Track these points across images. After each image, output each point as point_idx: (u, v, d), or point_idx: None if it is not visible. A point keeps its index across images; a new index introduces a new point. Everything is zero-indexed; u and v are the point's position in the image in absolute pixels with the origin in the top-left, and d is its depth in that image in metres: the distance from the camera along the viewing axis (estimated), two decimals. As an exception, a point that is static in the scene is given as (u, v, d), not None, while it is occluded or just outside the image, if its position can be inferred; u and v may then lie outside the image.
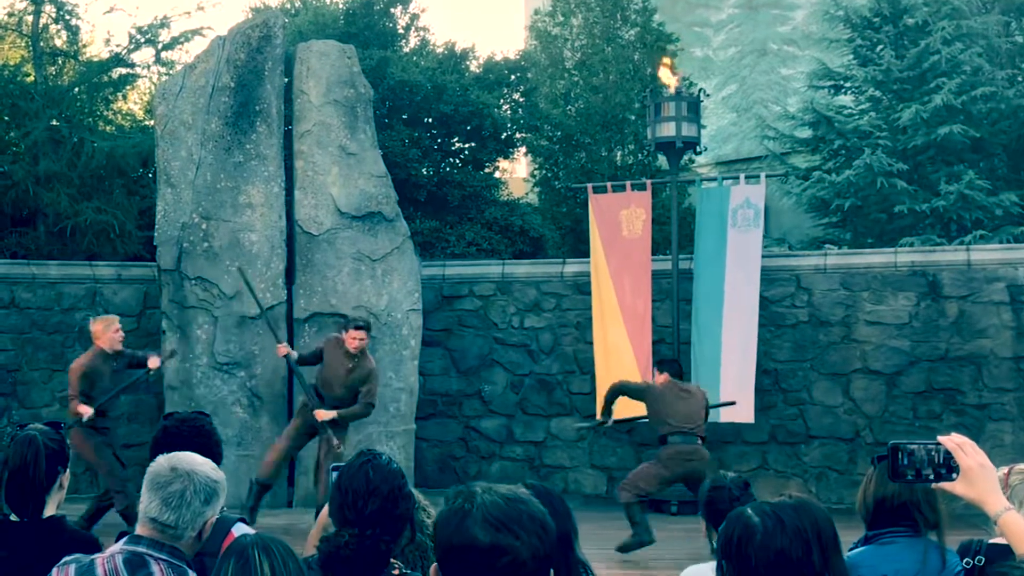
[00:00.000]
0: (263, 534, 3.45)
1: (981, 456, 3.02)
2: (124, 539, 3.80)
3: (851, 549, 4.37)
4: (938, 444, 3.02)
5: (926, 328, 15.32)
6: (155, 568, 3.68)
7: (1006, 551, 4.52)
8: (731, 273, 15.18)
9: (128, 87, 19.96)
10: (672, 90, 15.78)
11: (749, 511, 3.07)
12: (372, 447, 4.33)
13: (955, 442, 3.02)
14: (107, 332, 12.11)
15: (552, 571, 2.51)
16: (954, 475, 3.01)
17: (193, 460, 3.85)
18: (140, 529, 3.77)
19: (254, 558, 3.30)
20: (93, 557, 3.77)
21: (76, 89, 18.61)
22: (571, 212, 19.80)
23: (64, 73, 18.95)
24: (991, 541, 4.66)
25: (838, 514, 4.22)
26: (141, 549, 3.72)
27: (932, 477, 3.03)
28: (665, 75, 16.16)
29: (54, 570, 3.77)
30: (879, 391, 15.38)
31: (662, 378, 11.98)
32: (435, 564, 2.49)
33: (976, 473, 3.00)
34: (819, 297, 15.73)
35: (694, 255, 15.63)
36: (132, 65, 19.17)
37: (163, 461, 3.82)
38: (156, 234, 15.08)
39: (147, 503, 3.75)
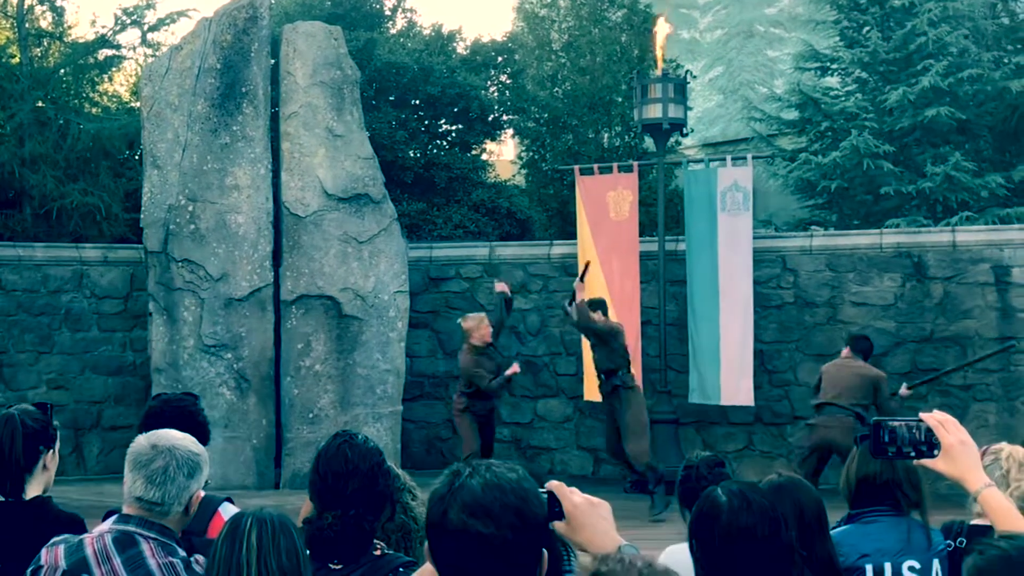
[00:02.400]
0: (267, 508, 3.45)
1: (962, 433, 3.04)
2: (113, 518, 3.81)
3: (834, 528, 4.40)
4: (920, 421, 3.04)
5: (911, 309, 15.36)
6: (144, 546, 3.69)
7: (988, 531, 4.56)
8: (724, 258, 15.18)
9: (114, 68, 19.90)
10: (661, 52, 15.78)
11: (718, 491, 3.11)
12: (358, 429, 4.35)
13: (936, 419, 3.04)
14: (479, 328, 12.67)
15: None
16: (935, 452, 3.03)
17: (172, 436, 3.85)
18: (127, 508, 3.78)
19: (244, 525, 3.31)
20: (82, 537, 3.78)
21: (62, 71, 18.55)
22: (558, 194, 19.80)
23: (50, 55, 18.89)
24: (972, 522, 4.69)
25: (823, 494, 4.25)
26: (131, 528, 3.73)
27: (913, 454, 3.05)
28: (661, 32, 16.15)
29: (43, 551, 3.77)
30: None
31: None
32: (427, 544, 2.53)
33: (957, 450, 3.02)
34: (805, 278, 15.76)
35: (685, 239, 15.62)
36: (118, 46, 19.11)
37: (143, 440, 3.83)
38: (142, 216, 15.05)
39: (131, 482, 3.76)
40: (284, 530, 3.35)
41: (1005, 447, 4.99)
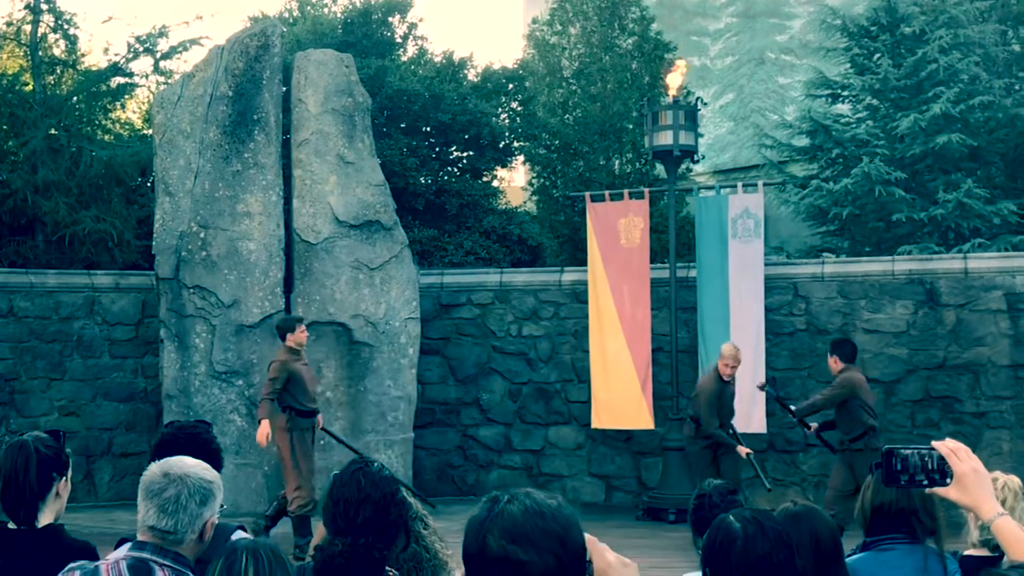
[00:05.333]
0: (258, 539, 3.46)
1: (975, 461, 3.03)
2: (127, 545, 3.81)
3: (849, 555, 4.37)
4: (932, 449, 3.03)
5: (924, 336, 15.32)
6: (159, 574, 3.69)
7: (981, 562, 4.54)
8: (735, 285, 15.16)
9: (126, 96, 19.97)
10: (675, 91, 15.79)
11: (731, 518, 3.09)
12: (369, 456, 4.34)
13: (949, 447, 3.03)
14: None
15: None
16: (948, 480, 3.01)
17: (184, 463, 3.84)
18: (141, 536, 3.78)
19: (240, 561, 3.31)
20: (98, 564, 3.77)
21: (75, 98, 18.62)
22: (569, 220, 19.81)
23: (63, 82, 18.96)
24: (965, 553, 4.67)
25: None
26: (145, 555, 3.73)
27: (925, 482, 3.03)
28: (674, 79, 16.16)
29: (59, 576, 3.78)
30: (877, 399, 15.32)
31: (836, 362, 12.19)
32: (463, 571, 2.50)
33: (970, 478, 3.01)
34: (817, 305, 15.73)
35: (696, 266, 15.61)
36: (130, 74, 19.19)
37: (155, 468, 3.82)
38: (154, 243, 15.08)
39: (144, 511, 3.76)
40: (279, 561, 3.35)
41: (999, 476, 4.97)
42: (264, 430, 11.67)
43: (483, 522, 2.43)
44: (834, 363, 12.15)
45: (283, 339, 12.25)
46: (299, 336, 12.17)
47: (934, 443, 3.05)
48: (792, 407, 12.44)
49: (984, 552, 4.74)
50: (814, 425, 12.44)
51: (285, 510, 12.03)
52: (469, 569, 2.44)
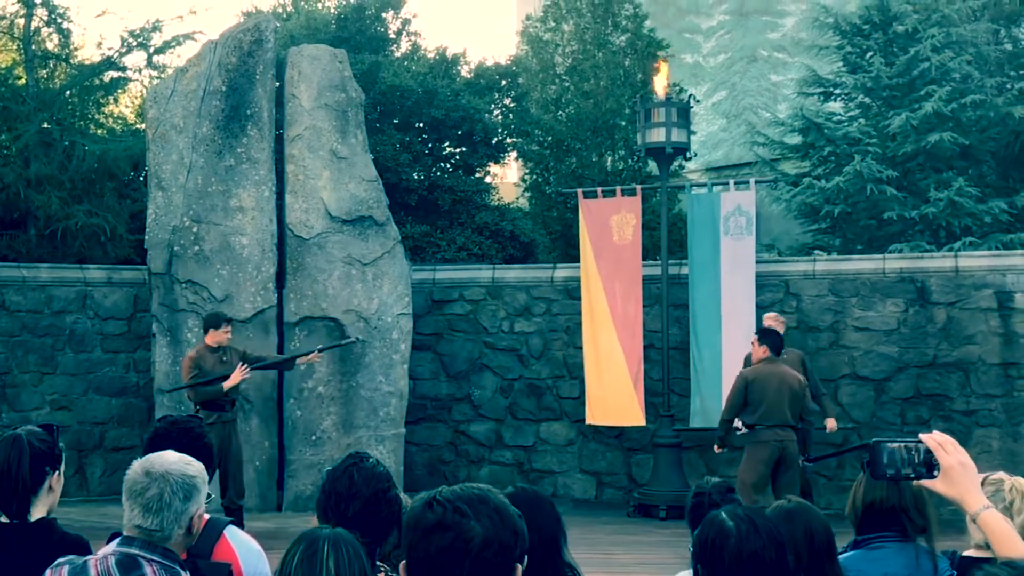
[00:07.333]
0: (337, 530, 3.43)
1: (962, 454, 3.05)
2: (116, 540, 3.81)
3: (840, 553, 4.39)
4: (919, 442, 3.05)
5: (914, 334, 15.35)
6: (148, 570, 3.69)
7: (979, 563, 4.55)
8: (727, 282, 15.18)
9: (119, 90, 19.98)
10: (662, 94, 15.81)
11: (723, 515, 3.10)
12: (362, 451, 4.35)
13: (936, 440, 3.05)
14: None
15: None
16: (935, 473, 3.03)
17: (165, 460, 3.84)
18: (128, 532, 3.78)
19: (322, 550, 3.27)
20: (86, 559, 3.77)
21: (67, 92, 18.62)
22: (561, 217, 19.83)
23: (55, 76, 18.96)
24: (964, 553, 4.67)
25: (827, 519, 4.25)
26: (134, 551, 3.73)
27: (912, 475, 3.05)
28: (660, 79, 16.19)
29: (47, 572, 3.76)
30: (867, 397, 15.42)
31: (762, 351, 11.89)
32: (403, 562, 2.49)
33: (956, 471, 3.03)
34: (808, 303, 15.76)
35: (688, 263, 15.63)
36: (124, 68, 19.19)
37: (137, 467, 3.82)
38: (147, 237, 15.07)
39: (129, 511, 3.75)
40: (357, 555, 3.32)
41: (1006, 478, 4.96)
42: (234, 379, 11.91)
43: (422, 501, 2.45)
44: (763, 352, 11.92)
45: (205, 333, 12.31)
46: (219, 336, 12.23)
47: (921, 435, 3.07)
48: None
49: (987, 554, 4.75)
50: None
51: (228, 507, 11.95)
52: (410, 554, 2.42)
